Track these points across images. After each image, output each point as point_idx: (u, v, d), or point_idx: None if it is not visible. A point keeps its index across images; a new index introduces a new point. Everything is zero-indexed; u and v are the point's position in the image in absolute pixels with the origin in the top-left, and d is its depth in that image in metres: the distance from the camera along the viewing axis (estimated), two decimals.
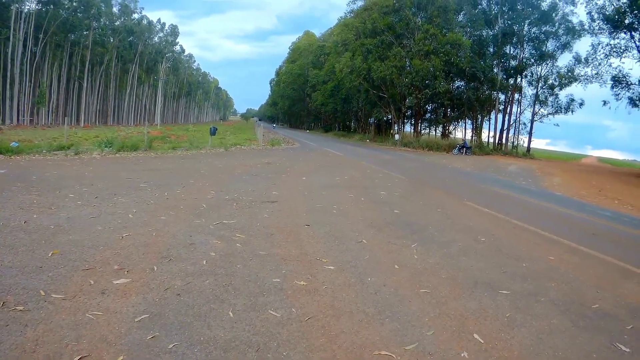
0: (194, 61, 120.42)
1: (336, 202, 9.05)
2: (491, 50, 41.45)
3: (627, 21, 29.46)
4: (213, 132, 24.40)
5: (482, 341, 3.47)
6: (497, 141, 41.93)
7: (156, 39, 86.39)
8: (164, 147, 19.40)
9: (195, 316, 3.49)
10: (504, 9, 39.02)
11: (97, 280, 4.00)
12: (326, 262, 5.08)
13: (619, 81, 32.39)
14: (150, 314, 3.44)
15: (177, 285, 4.06)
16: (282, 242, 5.76)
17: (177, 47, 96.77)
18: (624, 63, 39.39)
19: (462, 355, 3.23)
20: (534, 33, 39.10)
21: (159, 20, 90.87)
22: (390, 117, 48.38)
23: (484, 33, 40.95)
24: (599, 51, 33.02)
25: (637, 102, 31.58)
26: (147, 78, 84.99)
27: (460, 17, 42.88)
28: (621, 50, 31.34)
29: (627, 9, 28.68)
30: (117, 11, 70.92)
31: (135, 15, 75.74)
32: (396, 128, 46.91)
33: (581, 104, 38.58)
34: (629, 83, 31.95)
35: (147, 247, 5.09)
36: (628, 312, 4.36)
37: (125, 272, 4.25)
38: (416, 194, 11.40)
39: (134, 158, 15.04)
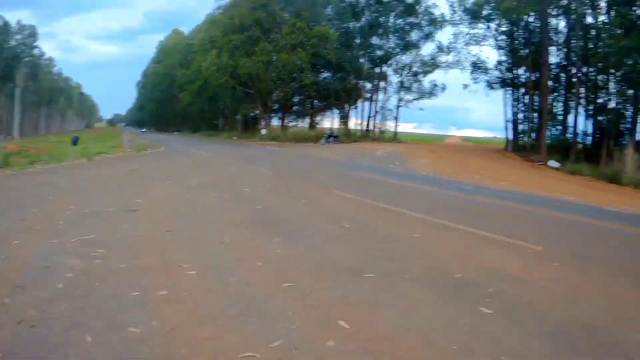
0: (55, 65, 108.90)
1: (200, 204, 8.82)
2: (358, 41, 43.50)
3: (484, 12, 33.29)
4: (75, 141, 22.42)
5: (347, 327, 3.50)
6: (365, 128, 44.15)
7: (13, 42, 76.39)
8: (21, 163, 17.42)
9: (50, 348, 3.11)
10: (370, 2, 41.48)
11: None
12: (187, 267, 4.86)
13: (477, 67, 36.73)
14: (2, 354, 3.02)
15: (31, 316, 3.58)
16: (142, 252, 5.42)
17: (36, 50, 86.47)
18: (482, 51, 44.47)
19: (328, 344, 3.24)
20: (399, 24, 41.98)
21: (18, 21, 79.71)
22: (257, 112, 48.39)
23: (351, 25, 42.74)
24: (460, 40, 37.12)
25: (494, 85, 36.07)
26: (2, 87, 75.35)
27: (329, 10, 44.10)
28: (480, 39, 35.49)
29: (484, 2, 32.43)
30: None
31: None
32: (263, 123, 46.93)
33: (443, 89, 42.64)
34: (487, 68, 36.39)
35: None
36: (488, 277, 4.74)
37: None
38: (282, 188, 11.55)
39: None
